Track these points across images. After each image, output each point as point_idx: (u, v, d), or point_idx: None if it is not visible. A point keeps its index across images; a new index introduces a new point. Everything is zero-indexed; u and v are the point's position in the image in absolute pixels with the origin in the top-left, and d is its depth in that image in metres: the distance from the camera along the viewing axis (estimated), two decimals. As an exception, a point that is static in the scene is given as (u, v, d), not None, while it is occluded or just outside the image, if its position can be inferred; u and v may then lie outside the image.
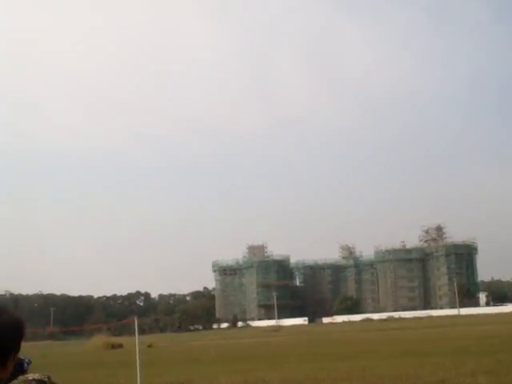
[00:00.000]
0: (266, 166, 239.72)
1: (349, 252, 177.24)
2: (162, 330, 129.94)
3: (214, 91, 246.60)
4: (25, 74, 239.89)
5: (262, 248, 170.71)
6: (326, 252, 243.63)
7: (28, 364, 4.10)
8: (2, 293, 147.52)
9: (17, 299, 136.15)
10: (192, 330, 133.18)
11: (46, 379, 2.32)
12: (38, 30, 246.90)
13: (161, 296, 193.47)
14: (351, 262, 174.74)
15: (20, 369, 2.90)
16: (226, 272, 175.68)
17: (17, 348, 2.18)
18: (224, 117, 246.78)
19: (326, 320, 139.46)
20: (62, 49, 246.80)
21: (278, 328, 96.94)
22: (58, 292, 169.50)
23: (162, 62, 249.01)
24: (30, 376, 2.29)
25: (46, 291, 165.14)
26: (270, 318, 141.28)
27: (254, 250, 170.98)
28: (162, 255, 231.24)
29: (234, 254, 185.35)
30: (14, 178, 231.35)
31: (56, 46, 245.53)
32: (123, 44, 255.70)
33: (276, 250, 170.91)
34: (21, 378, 2.28)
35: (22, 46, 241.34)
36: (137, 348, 11.79)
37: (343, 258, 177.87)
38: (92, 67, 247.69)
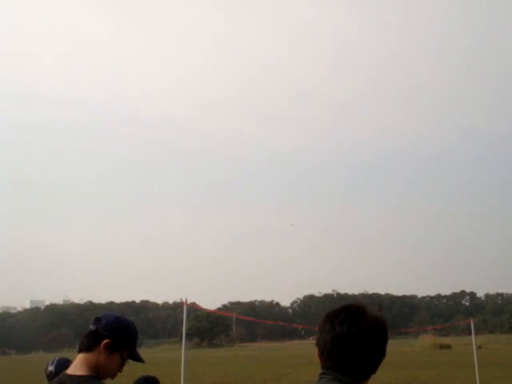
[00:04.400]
0: None
1: None
2: (490, 331, 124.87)
3: None
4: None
5: None
6: None
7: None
8: (330, 292, 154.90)
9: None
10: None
11: None
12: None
13: (487, 295, 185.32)
14: None
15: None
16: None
17: (383, 353, 1.92)
18: None
19: None
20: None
21: None
22: (382, 292, 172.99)
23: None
24: None
25: (370, 291, 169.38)
26: None
27: None
28: (481, 252, 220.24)
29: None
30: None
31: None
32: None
33: None
34: None
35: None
36: (474, 349, 11.73)
37: None
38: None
